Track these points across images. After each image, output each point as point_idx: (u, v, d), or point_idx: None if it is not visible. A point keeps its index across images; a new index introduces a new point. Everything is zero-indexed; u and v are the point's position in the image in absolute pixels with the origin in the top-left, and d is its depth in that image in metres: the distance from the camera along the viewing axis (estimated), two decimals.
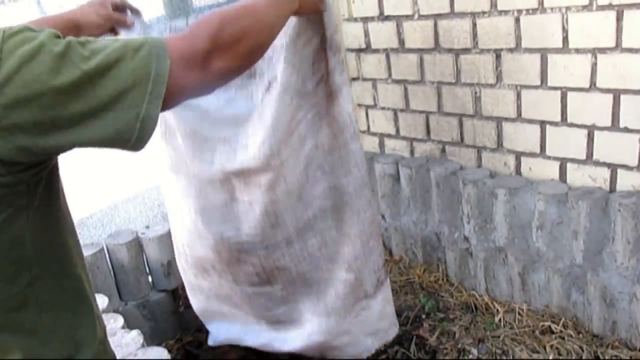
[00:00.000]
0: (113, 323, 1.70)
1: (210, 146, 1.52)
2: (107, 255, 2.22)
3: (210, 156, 1.52)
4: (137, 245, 2.25)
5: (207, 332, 2.14)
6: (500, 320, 2.27)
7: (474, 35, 2.15)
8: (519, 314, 2.26)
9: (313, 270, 1.67)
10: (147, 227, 2.33)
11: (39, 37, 0.69)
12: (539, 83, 2.05)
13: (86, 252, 2.14)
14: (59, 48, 0.69)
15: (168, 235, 2.28)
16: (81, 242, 2.06)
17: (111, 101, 0.71)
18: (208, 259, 1.69)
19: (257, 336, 1.90)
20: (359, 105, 2.69)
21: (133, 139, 0.75)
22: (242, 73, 0.94)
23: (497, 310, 2.31)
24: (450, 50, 2.25)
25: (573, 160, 2.07)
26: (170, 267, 2.31)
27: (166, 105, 0.76)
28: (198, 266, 1.78)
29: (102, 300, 1.80)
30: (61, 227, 0.86)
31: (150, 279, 2.36)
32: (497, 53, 2.11)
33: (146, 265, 2.32)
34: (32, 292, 0.80)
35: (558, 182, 2.12)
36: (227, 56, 0.83)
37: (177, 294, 2.35)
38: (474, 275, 2.40)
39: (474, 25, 2.14)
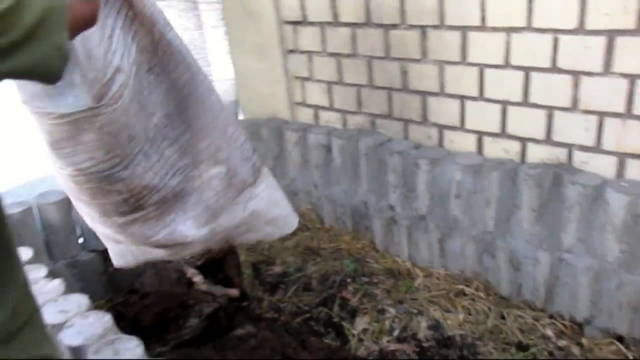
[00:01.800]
0: (36, 273, 1.73)
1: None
2: (37, 215, 2.22)
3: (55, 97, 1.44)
4: (67, 204, 2.26)
5: (137, 291, 2.20)
6: (420, 284, 2.41)
7: (402, 11, 2.25)
8: (436, 278, 2.40)
9: (182, 182, 1.67)
10: None
11: None
12: (459, 59, 2.17)
13: (14, 210, 2.14)
14: None
15: None
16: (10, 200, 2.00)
17: (29, 33, 0.74)
18: (72, 190, 1.64)
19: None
20: (295, 77, 2.76)
21: (53, 68, 0.78)
22: None
23: (418, 274, 2.44)
24: (380, 26, 2.34)
25: (489, 134, 2.20)
26: None
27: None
28: (71, 196, 1.72)
29: (26, 253, 1.82)
30: None
31: (81, 240, 2.38)
32: (423, 29, 2.22)
33: (78, 225, 2.34)
34: None
35: (475, 154, 2.26)
36: None
37: (108, 254, 2.38)
38: (398, 242, 2.52)
39: (402, 1, 2.23)
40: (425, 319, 2.21)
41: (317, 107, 2.75)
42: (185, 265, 2.15)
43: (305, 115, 2.81)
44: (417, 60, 2.29)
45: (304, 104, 2.79)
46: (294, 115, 2.84)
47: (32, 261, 1.81)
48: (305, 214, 2.85)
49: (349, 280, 2.49)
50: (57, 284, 1.65)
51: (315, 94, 2.72)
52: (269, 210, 1.89)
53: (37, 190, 2.33)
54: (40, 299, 1.59)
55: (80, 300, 1.57)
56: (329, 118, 2.72)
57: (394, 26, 2.30)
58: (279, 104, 2.84)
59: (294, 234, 2.81)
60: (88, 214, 1.73)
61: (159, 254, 1.85)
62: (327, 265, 2.58)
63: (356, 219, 2.66)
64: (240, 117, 3.02)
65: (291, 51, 2.71)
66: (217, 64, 2.83)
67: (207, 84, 1.67)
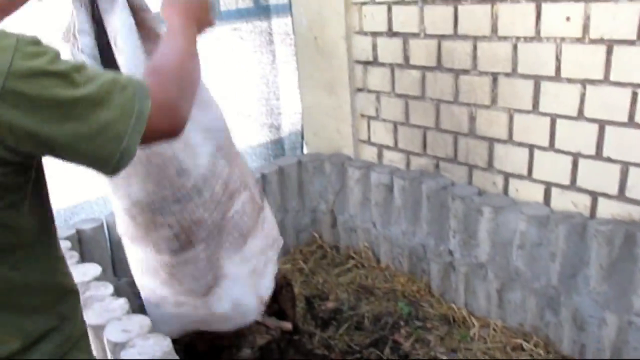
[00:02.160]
0: (104, 290, 1.80)
1: None
2: (106, 231, 2.33)
3: None
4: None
5: None
6: (475, 334, 2.34)
7: (474, 57, 2.25)
8: (493, 329, 2.33)
9: (222, 214, 1.71)
10: None
11: (48, 51, 0.79)
12: (530, 108, 2.14)
13: (87, 226, 2.26)
14: (62, 67, 0.78)
15: None
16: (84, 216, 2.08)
17: (99, 129, 0.81)
18: (127, 228, 1.71)
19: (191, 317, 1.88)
20: (362, 115, 2.80)
21: (111, 166, 0.84)
22: None
23: (474, 324, 2.38)
24: (451, 70, 2.35)
25: (557, 185, 2.15)
26: None
27: (142, 142, 0.86)
28: (123, 234, 1.79)
29: (95, 270, 1.90)
30: (45, 215, 0.96)
31: None
32: (494, 76, 2.21)
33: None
34: (18, 274, 0.89)
35: (542, 205, 2.20)
36: (188, 104, 0.96)
37: None
38: (455, 289, 2.47)
39: (475, 48, 2.24)
40: None
41: (381, 146, 2.77)
42: None
43: (369, 154, 2.83)
44: (486, 107, 2.28)
45: (368, 142, 2.82)
46: (357, 153, 2.87)
47: (99, 278, 1.88)
48: (362, 252, 2.85)
49: (402, 323, 2.45)
50: (122, 303, 1.71)
51: (381, 133, 2.74)
52: (273, 231, 1.95)
53: (110, 207, 2.44)
54: (105, 316, 1.66)
55: (143, 321, 1.62)
56: (393, 158, 2.73)
57: (465, 72, 2.30)
58: (343, 140, 2.88)
59: (349, 270, 2.82)
60: (141, 259, 1.78)
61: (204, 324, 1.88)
62: (381, 305, 2.56)
63: (413, 261, 2.63)
64: (305, 150, 3.08)
65: (360, 90, 2.75)
66: (286, 98, 2.91)
67: (218, 113, 1.73)
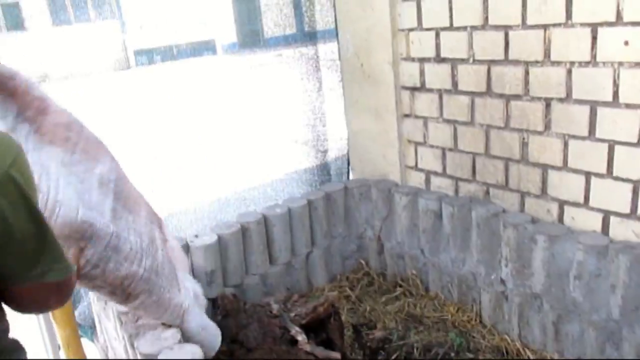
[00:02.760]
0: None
1: None
2: None
3: None
4: (185, 251, 2.39)
5: (241, 343, 2.24)
6: None
7: (526, 82, 2.21)
8: None
9: (154, 259, 1.72)
10: (196, 235, 2.46)
11: None
12: (586, 134, 2.07)
13: None
14: None
15: (215, 245, 2.42)
16: None
17: None
18: None
19: None
20: (409, 141, 2.77)
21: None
22: None
23: (529, 357, 2.29)
24: (501, 96, 2.31)
25: (617, 214, 2.06)
26: (213, 275, 2.44)
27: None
28: None
29: None
30: None
31: None
32: (547, 102, 2.16)
33: (191, 271, 2.45)
34: None
35: (600, 234, 2.11)
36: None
37: (217, 303, 2.46)
38: (508, 320, 2.39)
39: (527, 73, 2.20)
40: None
41: (429, 172, 2.73)
42: (290, 323, 2.18)
43: (416, 179, 2.80)
44: (539, 132, 2.22)
45: (415, 168, 2.79)
46: (404, 179, 2.84)
47: None
48: (410, 279, 2.80)
49: (452, 354, 2.38)
50: (174, 332, 1.72)
51: (428, 159, 2.71)
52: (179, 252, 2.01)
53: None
54: (157, 346, 1.68)
55: (194, 350, 1.62)
56: (441, 184, 2.69)
57: (516, 97, 2.25)
58: (390, 166, 2.86)
59: (396, 298, 2.78)
60: None
61: None
62: (431, 335, 2.50)
63: (463, 290, 2.57)
64: (351, 176, 3.07)
65: (406, 115, 2.74)
66: (332, 124, 2.92)
67: (115, 164, 1.68)
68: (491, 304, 2.44)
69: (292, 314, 2.23)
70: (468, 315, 2.54)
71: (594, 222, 2.14)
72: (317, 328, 2.24)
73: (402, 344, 2.47)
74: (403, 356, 2.40)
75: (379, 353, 2.44)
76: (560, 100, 2.12)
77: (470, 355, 2.36)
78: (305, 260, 2.82)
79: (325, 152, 2.94)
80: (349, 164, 3.07)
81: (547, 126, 2.19)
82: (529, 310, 2.30)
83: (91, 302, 2.13)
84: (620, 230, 2.07)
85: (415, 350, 2.42)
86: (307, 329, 2.19)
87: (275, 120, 2.67)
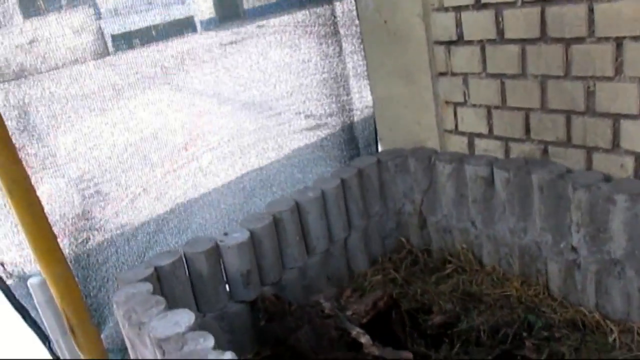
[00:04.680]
0: (203, 342, 1.55)
1: None
2: (185, 264, 2.08)
3: None
4: (215, 253, 2.11)
5: (292, 348, 1.99)
6: (614, 340, 2.03)
7: (590, 22, 1.92)
8: (638, 334, 2.01)
9: None
10: (226, 234, 2.18)
11: None
12: None
13: (164, 261, 2.01)
14: None
15: (248, 242, 2.14)
16: (158, 249, 1.93)
17: None
18: None
19: None
20: (447, 102, 2.48)
21: None
22: None
23: (611, 329, 2.07)
24: (559, 40, 2.02)
25: None
26: (249, 276, 2.17)
27: None
28: None
29: (188, 317, 1.65)
30: None
31: (227, 288, 2.22)
32: (618, 42, 1.88)
33: (224, 274, 2.18)
34: None
35: None
36: None
37: (257, 306, 2.20)
38: (582, 290, 2.16)
39: (591, 10, 1.90)
40: None
41: (472, 135, 2.45)
42: (349, 323, 1.92)
43: (457, 144, 2.52)
44: (608, 78, 1.94)
45: (456, 131, 2.51)
46: (443, 145, 2.56)
47: (193, 327, 1.64)
48: (460, 254, 2.55)
49: (524, 334, 2.15)
50: (229, 356, 1.46)
51: (471, 120, 2.43)
52: None
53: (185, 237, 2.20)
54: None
55: None
56: (487, 147, 2.41)
57: (579, 40, 1.97)
58: (425, 132, 2.58)
59: (448, 276, 2.53)
60: None
61: None
62: (495, 314, 2.26)
63: (525, 261, 2.32)
64: (379, 147, 2.78)
65: (442, 74, 2.44)
66: (356, 92, 2.61)
67: None
68: (561, 275, 2.20)
69: (349, 312, 1.98)
70: (534, 288, 2.31)
71: None
72: (377, 325, 1.99)
73: (465, 327, 2.23)
74: (470, 341, 2.17)
75: (443, 340, 2.20)
76: (635, 38, 1.84)
77: (545, 334, 2.13)
78: (344, 245, 2.55)
79: (351, 123, 2.65)
80: (376, 134, 2.78)
81: (619, 70, 1.91)
82: (607, 278, 2.06)
83: (120, 325, 1.86)
84: None
85: (482, 333, 2.19)
86: (368, 327, 1.94)
87: (292, 94, 2.36)
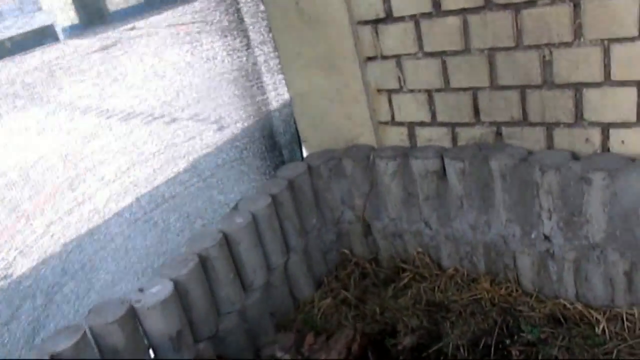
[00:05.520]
0: None
1: None
2: (92, 342, 1.57)
3: None
4: (132, 319, 1.62)
5: None
6: (603, 331, 1.84)
7: None
8: (628, 320, 1.84)
9: None
10: (141, 289, 1.70)
11: None
12: (636, 33, 1.60)
13: (63, 344, 1.49)
14: None
15: (172, 296, 1.68)
16: (52, 326, 1.48)
17: None
18: None
19: None
20: (378, 90, 2.16)
21: None
22: None
23: (597, 319, 1.88)
24: (507, 6, 1.76)
25: None
26: (180, 338, 1.71)
27: None
28: None
29: None
30: None
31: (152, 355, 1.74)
32: (575, 1, 1.65)
33: (147, 341, 1.69)
34: None
35: None
36: None
37: None
38: (558, 281, 1.95)
39: None
40: None
41: (412, 124, 2.16)
42: None
43: (395, 137, 2.21)
44: (566, 44, 1.72)
45: (393, 122, 2.20)
46: (380, 139, 2.24)
47: None
48: (415, 260, 2.26)
49: (507, 341, 1.91)
50: None
51: (409, 108, 2.13)
52: None
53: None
54: None
55: None
56: (431, 136, 2.13)
57: (530, 3, 1.72)
58: (357, 127, 2.24)
59: (406, 286, 2.23)
60: None
61: None
62: (469, 324, 1.99)
63: (492, 258, 2.08)
64: (304, 151, 2.41)
65: (371, 59, 2.11)
66: (273, 89, 2.21)
67: None
68: (533, 268, 1.98)
69: None
70: (505, 286, 2.07)
71: None
72: None
73: (441, 345, 1.94)
74: None
75: None
76: None
77: (528, 337, 1.89)
78: (284, 272, 2.16)
79: (271, 127, 2.24)
80: (298, 136, 2.39)
81: (577, 34, 1.69)
82: (587, 264, 1.86)
83: None
84: None
85: (461, 349, 1.91)
86: None
87: (199, 101, 1.91)
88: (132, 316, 1.62)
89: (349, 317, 2.13)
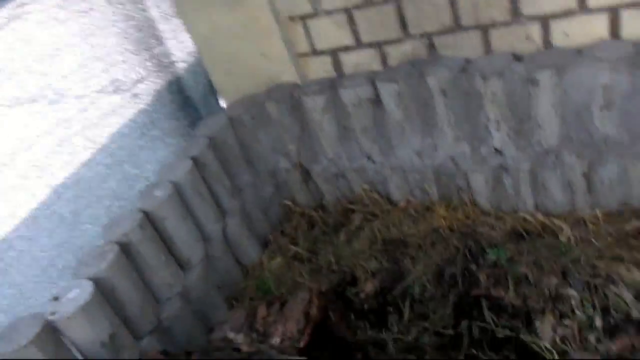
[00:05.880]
0: None
1: None
2: None
3: None
4: (51, 335, 1.38)
5: None
6: (569, 239, 1.74)
7: None
8: (591, 223, 1.74)
9: None
10: (56, 298, 1.44)
11: None
12: None
13: None
14: None
15: (95, 298, 1.44)
16: None
17: None
18: None
19: None
20: (291, 18, 1.89)
21: None
22: None
23: (560, 227, 1.78)
24: None
25: (628, 5, 1.49)
26: (116, 340, 1.48)
27: None
28: None
29: None
30: None
31: None
32: None
33: (75, 354, 1.46)
34: None
35: (615, 42, 1.55)
36: None
37: None
38: (516, 194, 1.83)
39: None
40: (620, 286, 1.56)
41: (335, 51, 1.92)
42: (283, 356, 1.36)
43: (319, 68, 1.97)
44: None
45: (313, 52, 1.95)
46: (302, 74, 2.00)
47: None
48: (364, 197, 2.08)
49: (472, 267, 1.79)
50: None
51: (329, 33, 1.88)
52: None
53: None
54: None
55: None
56: (358, 60, 1.90)
57: None
58: (275, 64, 1.98)
59: (358, 228, 2.07)
60: None
61: None
62: (431, 256, 1.86)
63: (443, 183, 1.93)
64: (221, 101, 2.14)
65: None
66: (172, 37, 1.90)
67: None
68: (488, 185, 1.84)
69: (276, 340, 1.41)
70: (462, 209, 1.93)
71: (598, 28, 1.56)
72: (319, 340, 1.46)
73: (405, 286, 1.81)
74: (417, 301, 1.76)
75: (387, 313, 1.76)
76: None
77: (493, 257, 1.78)
78: (223, 239, 1.94)
79: (178, 80, 1.95)
80: (212, 86, 2.11)
81: None
82: (543, 171, 1.74)
83: None
84: (636, 26, 1.51)
85: (427, 284, 1.79)
86: (309, 350, 1.40)
87: (86, 65, 1.59)
88: (50, 332, 1.37)
89: (303, 273, 1.96)
